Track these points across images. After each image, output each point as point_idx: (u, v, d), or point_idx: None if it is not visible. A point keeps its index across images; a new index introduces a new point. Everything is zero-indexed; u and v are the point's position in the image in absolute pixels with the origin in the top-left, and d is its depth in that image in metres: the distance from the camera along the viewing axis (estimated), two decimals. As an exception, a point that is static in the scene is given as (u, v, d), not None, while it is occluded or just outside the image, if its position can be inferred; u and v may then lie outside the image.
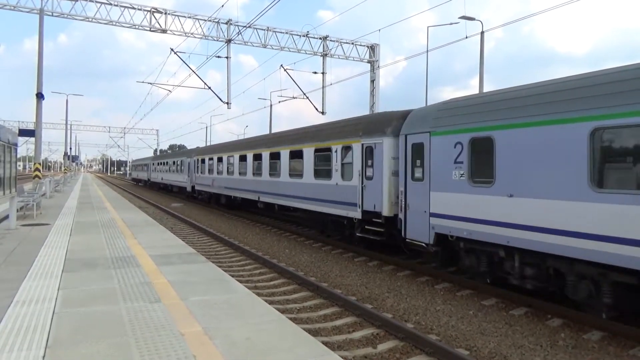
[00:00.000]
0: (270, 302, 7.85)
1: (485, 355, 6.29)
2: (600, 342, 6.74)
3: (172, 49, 25.86)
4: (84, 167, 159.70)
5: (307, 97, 29.46)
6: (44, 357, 3.91)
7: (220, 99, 27.42)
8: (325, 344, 5.66)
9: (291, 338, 4.44)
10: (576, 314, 7.58)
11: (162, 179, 44.98)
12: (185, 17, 25.44)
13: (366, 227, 12.38)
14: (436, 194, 9.63)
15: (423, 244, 10.03)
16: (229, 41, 26.00)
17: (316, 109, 29.31)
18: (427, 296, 9.06)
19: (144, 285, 6.25)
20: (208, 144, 67.24)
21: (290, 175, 16.75)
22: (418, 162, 10.28)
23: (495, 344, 6.69)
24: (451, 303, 8.60)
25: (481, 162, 8.72)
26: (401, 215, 10.78)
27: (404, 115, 11.34)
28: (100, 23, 24.15)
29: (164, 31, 25.00)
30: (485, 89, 23.05)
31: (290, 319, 5.86)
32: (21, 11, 22.79)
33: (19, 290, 5.94)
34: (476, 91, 23.06)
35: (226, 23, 26.07)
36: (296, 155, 16.44)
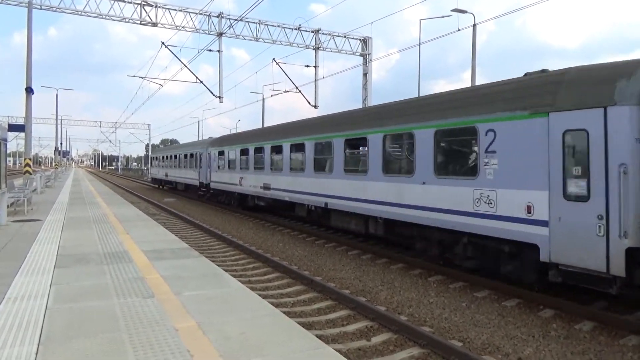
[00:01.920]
0: (264, 297, 7.86)
1: (478, 347, 6.35)
2: (592, 332, 6.82)
3: (163, 43, 25.67)
4: (75, 162, 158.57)
5: (300, 91, 29.39)
6: (36, 353, 3.89)
7: (212, 93, 27.28)
8: (320, 337, 5.68)
9: (285, 332, 4.44)
10: (568, 304, 7.66)
11: (270, 187, 17.77)
12: (176, 10, 25.24)
13: None
14: None
15: None
16: (220, 34, 25.81)
17: (309, 103, 29.24)
18: (420, 289, 9.11)
19: (137, 281, 6.22)
20: (201, 139, 62.92)
21: None
22: None
23: (488, 335, 6.74)
24: (444, 295, 8.66)
25: None
26: None
27: None
28: (90, 16, 23.88)
29: (154, 24, 24.78)
30: (478, 82, 23.02)
31: (284, 312, 5.87)
32: (9, 4, 22.47)
33: (10, 287, 5.89)
34: (468, 84, 23.11)
35: (217, 16, 25.87)
36: None
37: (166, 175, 39.17)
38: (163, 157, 41.19)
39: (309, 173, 14.68)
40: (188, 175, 31.38)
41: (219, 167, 24.43)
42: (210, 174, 25.75)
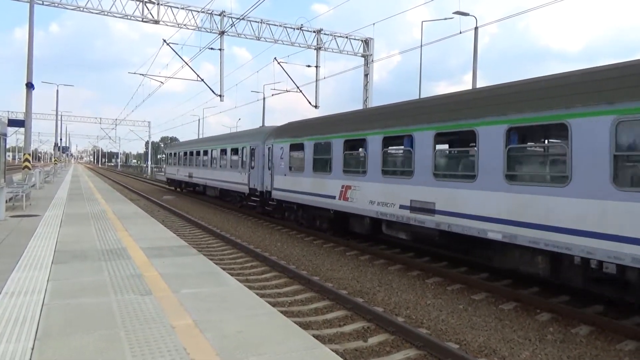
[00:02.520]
0: (262, 296, 7.86)
1: (474, 349, 6.35)
2: (588, 337, 6.82)
3: (164, 40, 25.66)
4: (74, 158, 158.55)
5: (301, 91, 29.39)
6: (32, 348, 3.88)
7: (213, 92, 27.29)
8: (316, 337, 5.68)
9: (282, 331, 4.44)
10: (564, 308, 7.68)
11: (433, 209, 9.71)
12: (178, 8, 25.24)
13: None
14: None
15: None
16: (222, 33, 25.82)
17: (309, 103, 29.25)
18: (417, 290, 9.11)
19: (135, 278, 6.22)
20: (201, 137, 60.89)
21: None
22: None
23: (485, 338, 6.74)
24: (441, 297, 8.66)
25: None
26: None
27: None
28: (92, 13, 23.88)
29: (156, 22, 24.77)
30: (479, 85, 23.05)
31: (282, 312, 5.87)
32: (11, -1, 22.44)
33: (7, 282, 5.88)
34: (469, 87, 23.13)
35: (220, 15, 25.88)
36: None
37: (189, 176, 30.38)
38: (185, 153, 31.92)
39: (585, 188, 6.98)
40: (228, 178, 23.03)
41: (291, 168, 16.20)
42: (273, 177, 17.43)
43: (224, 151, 24.34)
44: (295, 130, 16.65)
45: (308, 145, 15.04)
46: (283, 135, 17.26)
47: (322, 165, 14.25)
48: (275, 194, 17.23)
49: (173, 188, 36.96)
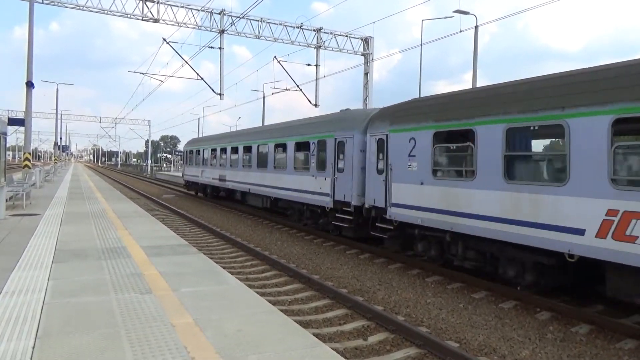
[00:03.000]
0: (262, 294, 7.86)
1: (474, 348, 6.36)
2: (588, 335, 6.83)
3: (164, 39, 25.63)
4: (74, 157, 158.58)
5: (301, 90, 29.37)
6: (33, 347, 3.89)
7: (213, 90, 27.25)
8: (316, 335, 5.69)
9: (282, 329, 4.44)
10: (564, 307, 7.68)
11: None
12: (178, 6, 25.21)
13: None
14: None
15: None
16: (222, 32, 25.79)
17: (309, 101, 29.24)
18: (418, 289, 9.12)
19: (135, 277, 6.23)
20: (200, 136, 60.65)
21: None
22: None
23: (485, 336, 6.75)
24: (442, 296, 8.67)
25: None
26: None
27: None
28: (92, 11, 23.87)
29: (156, 20, 24.74)
30: (479, 84, 23.04)
31: (282, 310, 5.87)
32: (11, -2, 22.42)
33: (8, 281, 5.88)
34: (469, 86, 23.12)
35: (219, 13, 25.85)
36: None
37: (221, 180, 24.11)
38: (214, 150, 25.73)
39: None
40: (292, 184, 16.30)
41: (437, 172, 10.08)
42: (390, 185, 11.25)
43: (281, 146, 17.64)
44: (444, 109, 10.07)
45: (485, 133, 8.76)
46: (414, 119, 10.78)
47: (531, 168, 8.90)
48: (397, 213, 11.03)
49: (193, 192, 30.83)
